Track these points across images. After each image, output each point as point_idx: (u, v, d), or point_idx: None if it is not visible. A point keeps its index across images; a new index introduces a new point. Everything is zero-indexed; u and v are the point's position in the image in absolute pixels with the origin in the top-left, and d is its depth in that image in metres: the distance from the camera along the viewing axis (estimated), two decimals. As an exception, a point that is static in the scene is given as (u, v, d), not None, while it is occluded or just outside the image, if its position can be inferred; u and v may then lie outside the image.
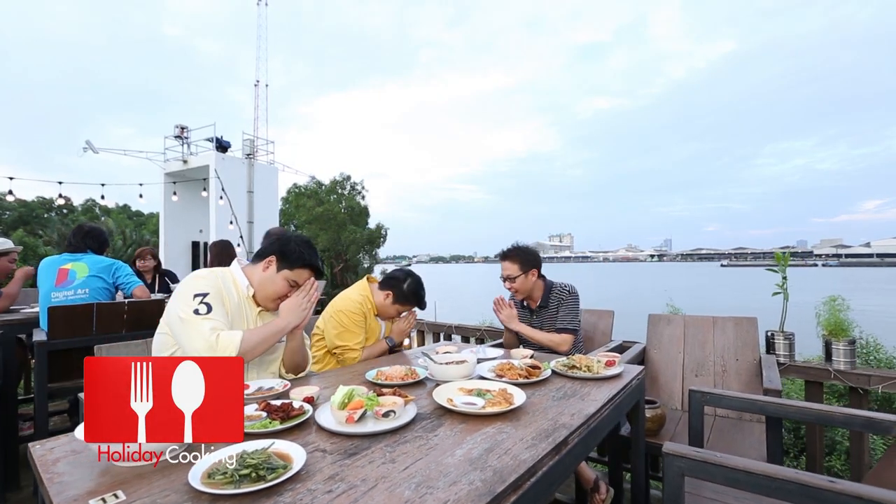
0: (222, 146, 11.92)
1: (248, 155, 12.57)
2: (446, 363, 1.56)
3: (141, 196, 7.99)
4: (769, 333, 2.21)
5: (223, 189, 8.18)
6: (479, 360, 1.79)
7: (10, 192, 6.29)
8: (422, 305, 2.22)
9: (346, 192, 31.96)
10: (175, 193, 9.32)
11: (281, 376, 1.72)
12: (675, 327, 2.34)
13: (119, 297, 2.97)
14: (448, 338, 3.67)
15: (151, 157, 11.28)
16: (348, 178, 32.29)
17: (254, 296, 1.57)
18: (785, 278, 2.13)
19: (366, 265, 31.89)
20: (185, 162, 11.37)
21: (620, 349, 2.42)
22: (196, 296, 1.40)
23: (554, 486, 0.99)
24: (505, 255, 2.34)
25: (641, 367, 1.67)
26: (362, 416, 1.10)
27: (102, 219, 28.92)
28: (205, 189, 8.99)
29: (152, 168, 12.10)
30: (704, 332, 2.26)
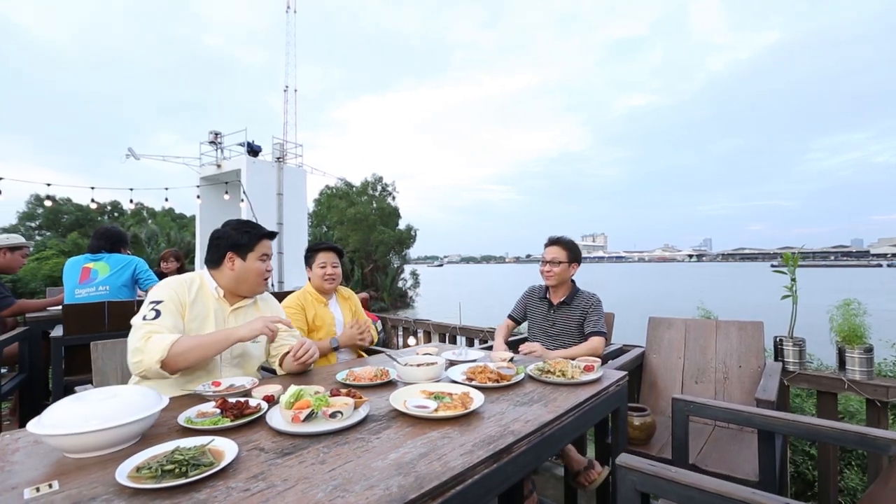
0: (253, 150, 12.37)
1: (277, 158, 12.97)
2: (416, 365, 1.56)
3: (167, 199, 8.45)
4: (777, 339, 2.06)
5: (244, 192, 8.48)
6: (457, 363, 1.77)
7: (49, 197, 6.77)
8: (329, 247, 2.40)
9: (377, 194, 32.44)
10: (199, 197, 9.76)
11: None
12: (676, 331, 2.23)
13: (139, 292, 3.12)
14: (453, 339, 3.65)
15: (188, 163, 11.87)
16: (379, 179, 32.75)
17: (224, 295, 1.63)
18: (794, 280, 1.98)
19: (395, 265, 32.26)
20: (218, 166, 11.88)
21: (619, 353, 2.34)
22: (151, 303, 1.46)
23: (491, 494, 0.96)
24: (556, 241, 2.38)
25: (624, 374, 1.60)
26: (309, 416, 1.11)
27: (149, 221, 30.71)
28: (227, 192, 9.41)
29: (190, 172, 12.72)
30: (706, 337, 2.13)
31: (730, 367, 2.02)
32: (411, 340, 3.92)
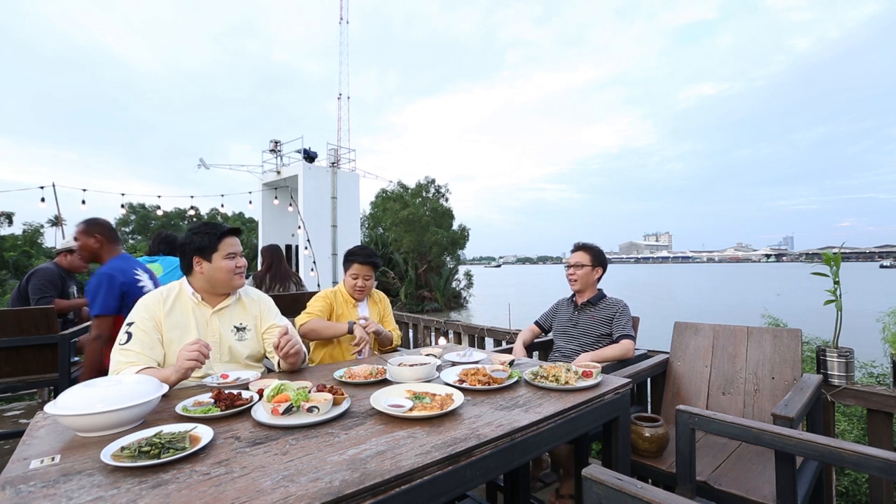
0: (310, 157, 13.05)
1: (332, 164, 13.59)
2: (409, 365, 1.58)
3: (223, 206, 9.16)
4: (820, 348, 1.84)
5: (291, 197, 8.99)
6: (459, 364, 1.77)
7: (122, 206, 7.60)
8: (365, 261, 2.34)
9: (430, 195, 32.88)
10: (251, 202, 10.47)
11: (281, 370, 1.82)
12: (703, 337, 2.06)
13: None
14: (481, 340, 3.63)
15: (251, 170, 12.78)
16: (432, 181, 33.18)
17: (203, 299, 1.68)
18: (837, 282, 1.76)
19: (450, 266, 32.47)
20: (278, 173, 12.68)
21: (642, 358, 2.21)
22: (126, 324, 1.54)
23: (445, 497, 0.96)
24: (582, 246, 2.48)
25: (626, 381, 1.52)
26: (288, 410, 1.17)
27: (222, 225, 33.36)
28: (276, 198, 10.01)
29: (254, 179, 13.69)
30: (736, 345, 1.96)
31: (761, 379, 1.84)
32: (441, 341, 3.95)
